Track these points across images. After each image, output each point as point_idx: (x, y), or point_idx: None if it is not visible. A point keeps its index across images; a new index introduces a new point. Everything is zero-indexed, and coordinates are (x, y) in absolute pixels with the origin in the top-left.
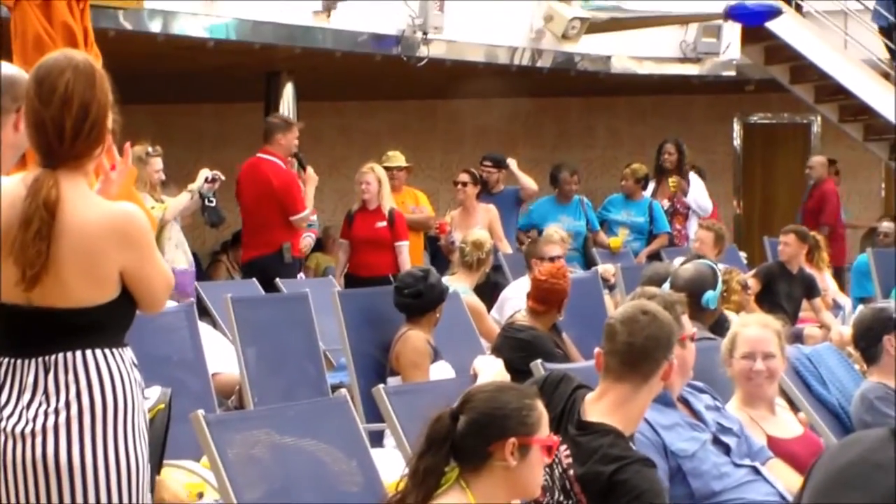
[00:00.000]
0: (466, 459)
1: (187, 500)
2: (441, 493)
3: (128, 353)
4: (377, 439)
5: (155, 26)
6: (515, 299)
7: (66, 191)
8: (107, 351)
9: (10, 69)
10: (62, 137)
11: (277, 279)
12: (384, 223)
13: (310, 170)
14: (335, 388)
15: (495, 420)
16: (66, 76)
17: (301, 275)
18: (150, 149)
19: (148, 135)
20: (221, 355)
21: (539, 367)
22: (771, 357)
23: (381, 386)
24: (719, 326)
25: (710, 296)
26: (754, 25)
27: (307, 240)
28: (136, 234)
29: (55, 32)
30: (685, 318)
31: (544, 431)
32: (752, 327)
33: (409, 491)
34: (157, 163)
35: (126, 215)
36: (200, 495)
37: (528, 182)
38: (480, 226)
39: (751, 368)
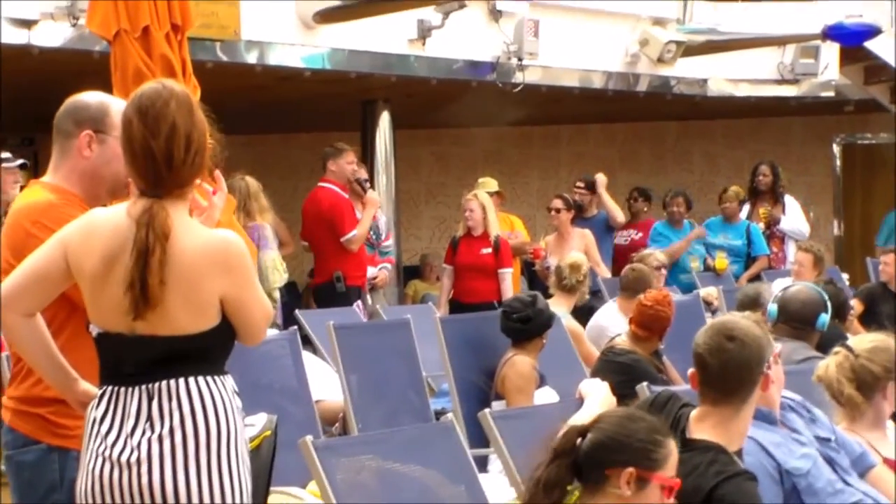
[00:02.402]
0: (585, 479)
1: None
2: None
3: (229, 381)
4: (481, 464)
5: (252, 57)
6: (611, 328)
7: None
8: (209, 378)
9: (87, 95)
10: (170, 166)
11: (296, 311)
12: (489, 250)
13: (370, 193)
14: (438, 413)
15: (619, 446)
16: (171, 106)
17: (357, 304)
18: (246, 177)
19: (244, 165)
20: (324, 382)
21: (645, 389)
22: None
23: (486, 410)
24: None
25: (823, 319)
26: (853, 45)
27: (383, 272)
28: (235, 262)
29: (154, 65)
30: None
31: (669, 471)
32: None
33: (534, 502)
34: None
35: (225, 242)
36: None
37: (615, 211)
38: (576, 250)
39: None
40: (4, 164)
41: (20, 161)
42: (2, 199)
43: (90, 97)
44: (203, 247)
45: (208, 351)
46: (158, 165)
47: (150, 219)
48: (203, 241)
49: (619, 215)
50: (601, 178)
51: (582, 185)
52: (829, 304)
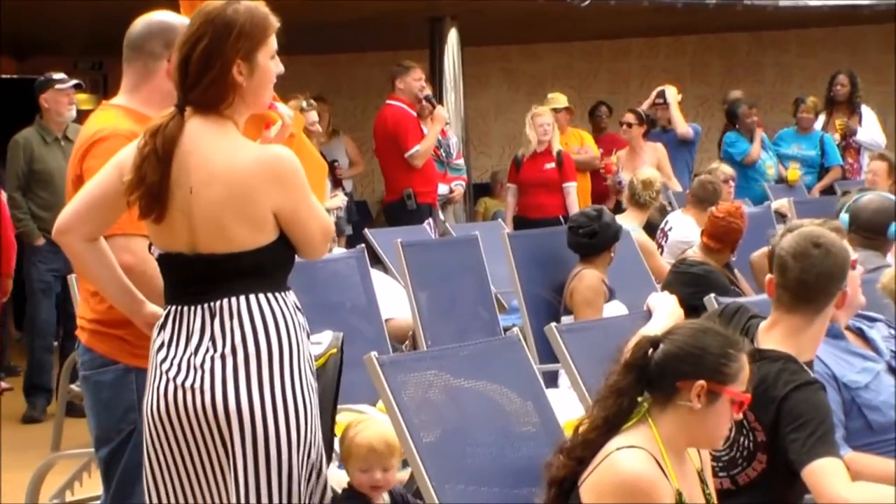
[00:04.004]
0: (655, 390)
1: (393, 441)
2: (630, 425)
3: (291, 297)
4: (551, 380)
5: None
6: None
7: (208, 136)
8: (269, 295)
9: (165, 16)
10: (186, 82)
11: (365, 229)
12: (553, 164)
13: (439, 108)
14: (507, 330)
15: (691, 358)
16: (197, 24)
17: (428, 222)
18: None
19: (315, 85)
20: (394, 301)
21: (713, 300)
22: None
23: (553, 324)
24: None
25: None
26: None
27: (458, 188)
28: (288, 176)
29: None
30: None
31: (740, 385)
32: None
33: (604, 411)
34: (313, 116)
35: (277, 157)
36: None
37: (680, 124)
38: (648, 165)
39: None
40: (58, 86)
41: (74, 81)
42: (57, 121)
43: (173, 18)
44: (254, 162)
45: (268, 267)
46: (181, 78)
47: (158, 127)
48: (254, 157)
49: (683, 126)
50: (671, 91)
51: (662, 100)
52: None
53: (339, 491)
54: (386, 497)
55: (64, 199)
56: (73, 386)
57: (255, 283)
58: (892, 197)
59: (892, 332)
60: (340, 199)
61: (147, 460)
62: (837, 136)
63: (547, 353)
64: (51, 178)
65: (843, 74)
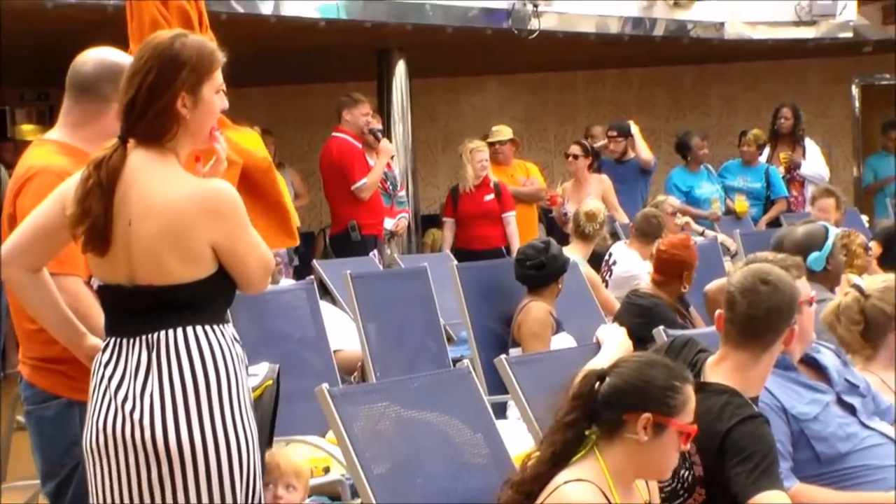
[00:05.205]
0: (603, 423)
1: (303, 466)
2: (578, 459)
3: (229, 329)
4: (500, 412)
5: (266, 8)
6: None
7: (149, 168)
8: (207, 328)
9: (114, 55)
10: (132, 113)
11: (313, 261)
12: (492, 196)
13: (384, 142)
14: (456, 361)
15: (636, 391)
16: (153, 57)
17: (374, 253)
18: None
19: (261, 116)
20: (342, 332)
21: (661, 333)
22: None
23: (503, 356)
24: None
25: (814, 257)
26: None
27: (402, 220)
28: (226, 210)
29: (171, 16)
30: (802, 282)
31: (686, 417)
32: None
33: (551, 444)
34: None
35: (215, 191)
36: (327, 470)
37: (644, 152)
38: (593, 196)
39: None
40: None
41: None
42: None
43: (123, 59)
44: (192, 195)
45: (205, 300)
46: (125, 110)
47: (101, 159)
48: (192, 191)
49: (647, 153)
50: (635, 128)
51: (615, 132)
52: (828, 242)
53: None
54: None
55: None
56: (19, 417)
57: (192, 315)
58: (825, 226)
59: (844, 359)
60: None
61: (92, 491)
62: (782, 169)
63: (496, 384)
64: None
65: (787, 107)
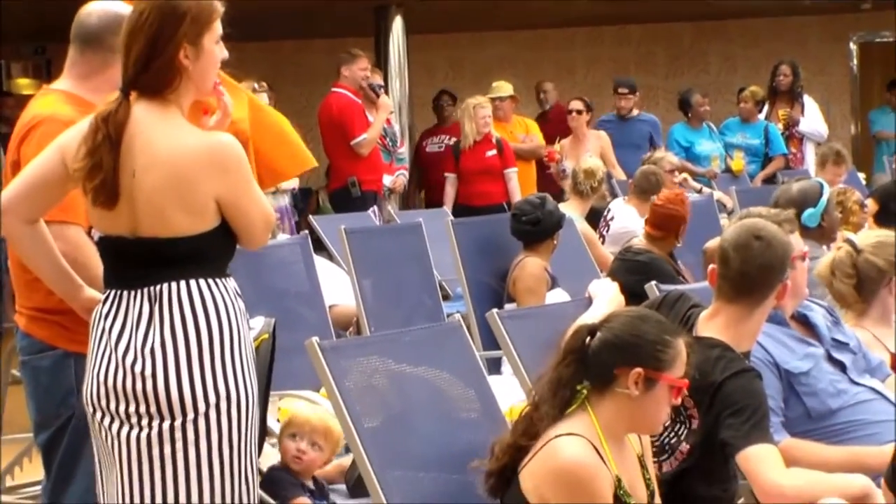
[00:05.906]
0: (594, 378)
1: (334, 427)
2: (570, 412)
3: (231, 283)
4: (495, 367)
5: None
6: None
7: (153, 120)
8: (210, 281)
9: (116, 6)
10: (133, 67)
11: (309, 216)
12: (494, 152)
13: (383, 97)
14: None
15: (627, 346)
16: (145, 11)
17: (373, 209)
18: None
19: (260, 72)
20: (338, 288)
21: (654, 288)
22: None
23: (495, 311)
24: None
25: (808, 213)
26: None
27: (400, 178)
28: (231, 163)
29: None
30: (795, 237)
31: (677, 371)
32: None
33: (544, 399)
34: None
35: (220, 145)
36: None
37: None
38: (591, 153)
39: None
40: None
41: None
42: None
43: (125, 9)
44: (197, 148)
45: (208, 253)
46: (126, 63)
47: (108, 113)
48: (197, 143)
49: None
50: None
51: (626, 89)
52: (822, 199)
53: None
54: (310, 484)
55: (0, 183)
56: (14, 371)
57: (195, 268)
58: (819, 182)
59: (834, 317)
60: (294, 180)
61: (95, 446)
62: (780, 126)
63: (490, 340)
64: None
65: (786, 65)
